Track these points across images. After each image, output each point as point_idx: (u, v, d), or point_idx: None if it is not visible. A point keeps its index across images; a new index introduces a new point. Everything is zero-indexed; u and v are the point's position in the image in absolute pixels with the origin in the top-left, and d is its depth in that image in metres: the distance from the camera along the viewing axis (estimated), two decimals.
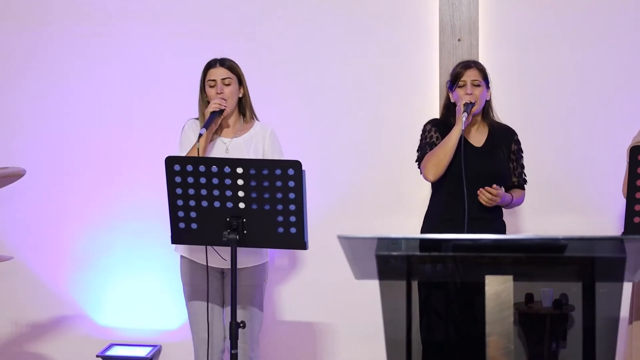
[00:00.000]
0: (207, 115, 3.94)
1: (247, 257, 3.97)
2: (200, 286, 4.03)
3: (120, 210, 5.06)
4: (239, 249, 3.57)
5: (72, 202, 5.13)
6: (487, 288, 2.27)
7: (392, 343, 2.55)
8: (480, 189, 3.93)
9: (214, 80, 4.03)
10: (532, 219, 4.76)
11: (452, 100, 4.10)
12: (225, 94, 4.01)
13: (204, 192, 3.44)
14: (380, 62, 4.88)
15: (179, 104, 4.75)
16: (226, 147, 4.06)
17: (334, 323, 4.98)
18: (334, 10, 4.92)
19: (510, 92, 4.74)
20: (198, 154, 3.77)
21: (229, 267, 3.63)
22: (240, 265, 3.86)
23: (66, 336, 5.15)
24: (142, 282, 5.06)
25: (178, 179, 3.45)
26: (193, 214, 3.50)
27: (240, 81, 4.09)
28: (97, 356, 4.87)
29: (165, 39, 5.05)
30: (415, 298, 3.03)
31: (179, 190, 3.47)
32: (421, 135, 4.16)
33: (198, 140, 3.81)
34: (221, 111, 3.96)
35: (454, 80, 4.07)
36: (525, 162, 4.27)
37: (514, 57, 4.79)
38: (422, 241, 2.43)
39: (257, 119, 4.18)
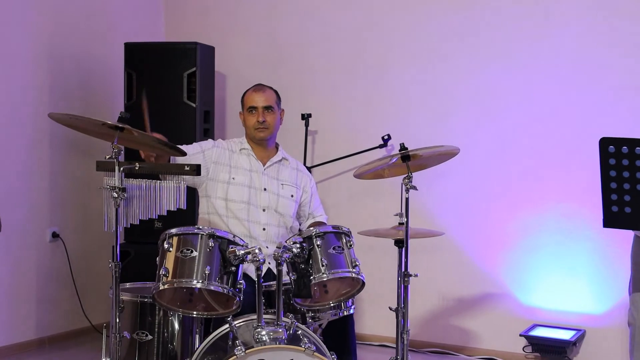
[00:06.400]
0: None
1: None
2: None
3: (552, 191, 5.09)
4: None
5: (503, 181, 5.26)
6: None
7: None
8: None
9: None
10: None
11: None
12: None
13: (639, 175, 3.34)
14: None
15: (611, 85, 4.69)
16: None
17: None
18: None
19: None
20: None
21: None
22: None
23: (490, 313, 5.31)
24: (570, 265, 5.04)
25: (612, 161, 3.38)
26: (627, 198, 3.39)
27: None
28: (521, 335, 4.96)
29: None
30: None
31: (612, 173, 3.39)
32: None
33: None
34: None
35: None
36: None
37: None
38: None
39: None
